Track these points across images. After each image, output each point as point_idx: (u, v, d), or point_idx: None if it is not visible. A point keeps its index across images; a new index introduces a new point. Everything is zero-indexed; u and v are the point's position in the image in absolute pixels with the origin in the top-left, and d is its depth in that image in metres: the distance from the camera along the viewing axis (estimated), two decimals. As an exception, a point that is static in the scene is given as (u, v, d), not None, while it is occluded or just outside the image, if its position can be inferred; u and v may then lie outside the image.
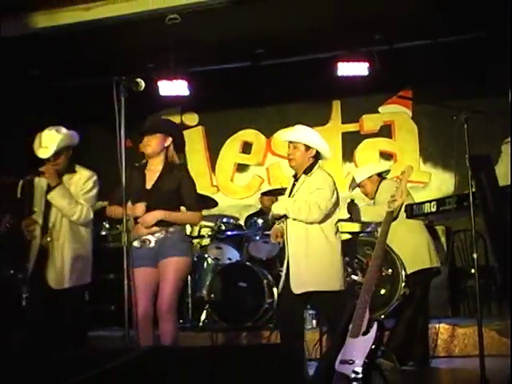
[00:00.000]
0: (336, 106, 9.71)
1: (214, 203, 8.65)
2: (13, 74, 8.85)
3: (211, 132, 10.15)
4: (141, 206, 5.28)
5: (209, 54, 8.88)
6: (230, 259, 8.12)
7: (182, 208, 5.47)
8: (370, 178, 6.64)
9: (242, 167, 10.07)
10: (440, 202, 5.21)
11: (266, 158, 9.92)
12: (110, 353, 4.03)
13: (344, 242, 7.40)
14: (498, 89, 6.44)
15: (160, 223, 5.30)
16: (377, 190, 6.56)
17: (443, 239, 8.10)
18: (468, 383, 5.52)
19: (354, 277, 6.67)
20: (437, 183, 9.09)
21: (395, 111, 9.46)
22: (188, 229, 7.62)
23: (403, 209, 5.46)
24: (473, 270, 6.07)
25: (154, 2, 7.24)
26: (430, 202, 5.28)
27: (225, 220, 8.51)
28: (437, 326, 6.91)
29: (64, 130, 5.67)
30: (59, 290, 5.63)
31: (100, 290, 7.67)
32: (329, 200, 5.58)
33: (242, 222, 8.85)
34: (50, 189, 5.63)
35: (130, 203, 5.21)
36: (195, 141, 10.13)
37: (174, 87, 8.94)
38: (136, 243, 5.33)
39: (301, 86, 9.16)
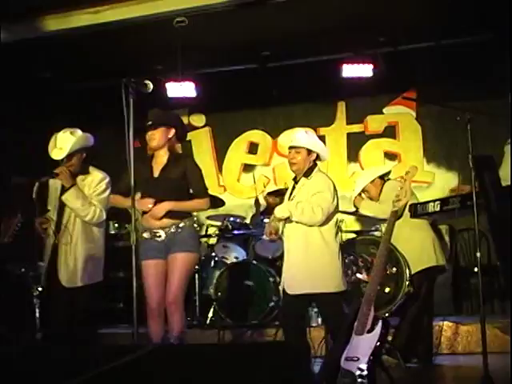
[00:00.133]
0: (341, 107, 9.70)
1: (221, 203, 8.66)
2: (24, 77, 8.88)
3: (218, 133, 10.15)
4: (147, 201, 5.31)
5: (216, 56, 8.88)
6: (236, 258, 8.13)
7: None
8: (372, 181, 6.62)
9: (248, 167, 10.07)
10: (444, 201, 5.20)
11: (272, 158, 9.92)
12: (120, 350, 4.04)
13: (349, 241, 7.44)
14: (501, 90, 6.43)
15: (170, 214, 5.34)
16: (381, 192, 6.55)
17: (447, 238, 8.06)
18: (471, 380, 5.50)
19: (358, 275, 6.66)
20: (440, 183, 9.07)
21: (399, 112, 9.44)
22: (195, 227, 7.62)
23: (407, 208, 5.46)
24: (476, 269, 6.04)
25: (161, 5, 7.24)
26: (433, 201, 5.28)
27: (231, 219, 8.51)
28: (440, 323, 6.92)
29: (79, 133, 5.70)
30: (71, 288, 5.66)
31: (109, 288, 7.69)
32: (330, 203, 5.58)
33: (248, 221, 8.85)
34: (64, 190, 5.66)
35: (137, 196, 5.25)
36: (202, 141, 10.13)
37: (181, 89, 8.94)
38: (146, 235, 5.38)
39: (306, 87, 9.15)
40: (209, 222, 8.88)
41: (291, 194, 5.79)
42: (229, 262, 8.06)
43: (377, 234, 7.29)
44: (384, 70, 8.69)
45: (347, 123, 9.68)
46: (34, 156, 6.42)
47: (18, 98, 8.60)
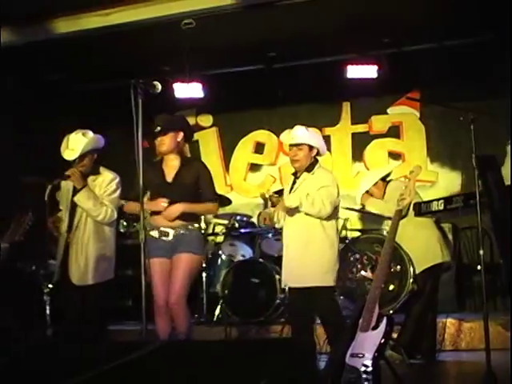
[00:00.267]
0: (346, 107, 9.69)
1: (228, 202, 8.66)
2: (34, 78, 8.90)
3: (225, 133, 10.15)
4: (161, 201, 5.35)
5: (223, 57, 8.88)
6: (243, 256, 8.14)
7: None
8: (375, 184, 6.61)
9: (254, 167, 10.07)
10: (447, 200, 5.20)
11: (278, 157, 9.91)
12: (128, 346, 4.05)
13: (354, 239, 7.45)
14: (504, 90, 6.43)
15: (182, 215, 5.38)
16: (384, 193, 6.54)
17: (450, 236, 8.07)
18: (474, 376, 5.50)
19: (363, 273, 6.67)
20: (444, 182, 9.06)
21: (403, 112, 9.42)
22: (203, 226, 7.63)
23: (412, 207, 5.46)
24: (479, 267, 6.04)
25: (169, 8, 7.24)
26: (437, 200, 5.28)
27: (238, 218, 8.52)
28: (444, 320, 6.91)
29: (90, 134, 5.73)
30: (83, 287, 5.68)
31: (117, 286, 7.71)
32: (335, 197, 5.63)
33: (254, 220, 8.85)
34: (75, 191, 5.69)
35: (146, 198, 5.27)
36: (210, 141, 10.13)
37: (189, 89, 8.96)
38: (155, 233, 5.41)
39: (312, 88, 9.15)
40: (216, 220, 8.90)
41: (291, 188, 5.79)
42: (235, 259, 8.07)
43: (381, 232, 7.29)
44: (388, 71, 8.67)
45: (352, 123, 9.67)
46: (43, 156, 6.44)
47: (29, 99, 8.62)
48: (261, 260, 7.77)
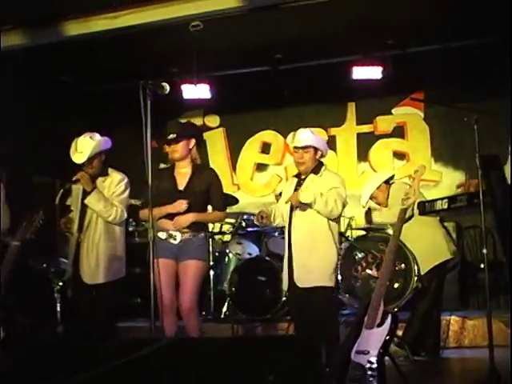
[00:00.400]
0: (351, 107, 9.69)
1: (235, 201, 8.67)
2: (46, 80, 8.93)
3: (232, 133, 10.16)
4: (182, 203, 5.37)
5: (230, 59, 8.89)
6: (250, 254, 8.13)
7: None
8: (378, 187, 6.61)
9: (261, 166, 10.08)
10: (451, 199, 5.19)
11: (284, 157, 9.92)
12: (138, 343, 4.06)
13: (359, 238, 7.44)
14: (507, 91, 6.42)
15: (191, 224, 5.44)
16: (388, 195, 6.54)
17: (454, 235, 8.06)
18: (477, 372, 5.50)
19: (368, 271, 6.66)
20: (447, 182, 9.05)
21: (408, 113, 9.42)
22: (210, 225, 7.64)
23: (416, 207, 5.46)
24: (482, 265, 6.04)
25: (177, 10, 7.24)
26: (441, 199, 5.27)
27: (245, 217, 8.50)
28: (448, 318, 6.91)
29: (98, 137, 5.76)
30: (94, 285, 5.70)
31: (126, 283, 7.71)
32: (344, 199, 5.61)
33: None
34: (85, 193, 5.71)
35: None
36: (217, 142, 10.13)
37: (196, 90, 8.97)
38: (162, 235, 5.42)
39: (317, 89, 9.15)
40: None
41: (295, 190, 5.74)
42: (242, 258, 8.07)
43: (386, 231, 7.28)
44: (392, 72, 8.67)
45: (357, 124, 9.67)
46: (54, 156, 6.46)
47: (40, 99, 8.64)
48: (267, 258, 7.77)
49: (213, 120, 10.19)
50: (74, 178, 5.74)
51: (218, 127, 10.20)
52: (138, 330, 7.23)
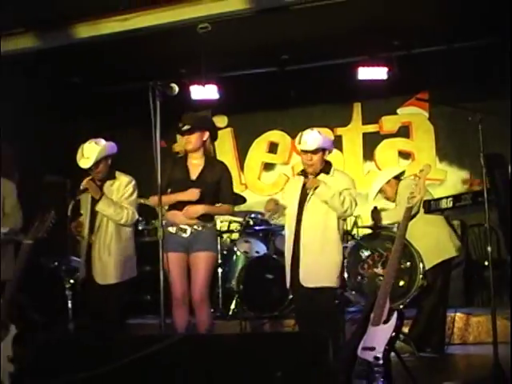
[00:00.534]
0: (357, 108, 9.68)
1: (243, 200, 8.68)
2: (56, 81, 8.95)
3: (240, 133, 10.16)
4: (194, 191, 5.38)
5: (237, 60, 8.90)
6: (257, 252, 8.14)
7: None
8: (388, 182, 6.60)
9: (268, 166, 10.09)
10: (456, 198, 5.20)
11: (291, 157, 9.92)
12: (148, 340, 4.07)
13: (365, 236, 7.44)
14: (507, 91, 6.41)
15: (201, 216, 5.44)
16: (396, 191, 6.53)
17: (459, 233, 8.06)
18: (482, 368, 5.50)
19: (374, 269, 6.66)
20: (452, 180, 9.04)
21: (413, 113, 9.41)
22: (218, 224, 7.66)
23: (421, 205, 5.46)
24: (486, 263, 6.04)
25: (186, 13, 7.25)
26: (446, 198, 5.27)
27: (253, 215, 8.51)
28: (452, 314, 6.91)
29: (103, 142, 5.79)
30: (106, 285, 5.72)
31: (137, 281, 7.73)
32: (356, 200, 5.61)
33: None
34: (95, 201, 5.74)
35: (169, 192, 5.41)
36: (225, 142, 10.14)
37: (204, 91, 8.98)
38: (172, 229, 5.43)
39: (324, 89, 9.15)
40: (231, 218, 8.89)
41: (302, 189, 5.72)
42: (250, 256, 8.08)
43: (392, 229, 7.28)
44: (398, 73, 8.66)
45: (363, 123, 9.67)
46: (64, 157, 6.49)
47: (51, 100, 8.66)
48: (275, 256, 7.77)
49: (221, 120, 10.19)
50: (81, 188, 5.81)
51: (225, 127, 10.21)
52: (148, 327, 7.25)
